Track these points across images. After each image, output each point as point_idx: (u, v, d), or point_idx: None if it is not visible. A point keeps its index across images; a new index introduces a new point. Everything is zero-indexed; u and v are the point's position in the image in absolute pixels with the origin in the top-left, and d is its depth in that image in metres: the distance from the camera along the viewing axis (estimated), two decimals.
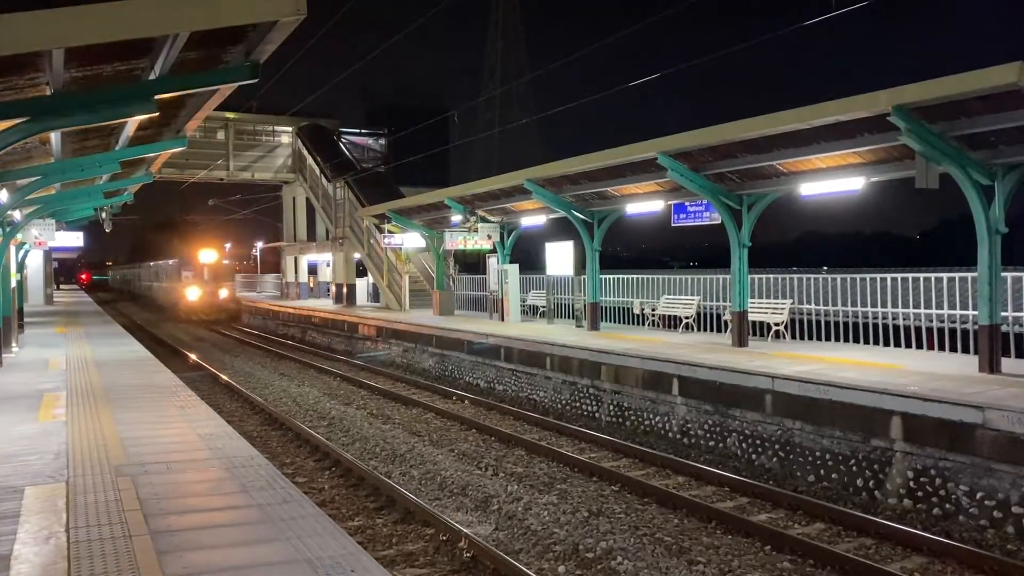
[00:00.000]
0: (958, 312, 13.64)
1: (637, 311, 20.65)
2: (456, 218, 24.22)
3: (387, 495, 9.99)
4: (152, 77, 9.00)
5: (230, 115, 40.31)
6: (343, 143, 42.24)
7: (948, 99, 10.08)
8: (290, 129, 42.01)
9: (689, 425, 12.95)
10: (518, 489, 10.38)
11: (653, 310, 20.12)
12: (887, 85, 10.70)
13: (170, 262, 50.24)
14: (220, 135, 41.25)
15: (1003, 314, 12.06)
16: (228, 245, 61.37)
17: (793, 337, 16.42)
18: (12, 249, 20.93)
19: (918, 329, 14.26)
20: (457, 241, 24.42)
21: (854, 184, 13.06)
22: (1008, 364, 11.77)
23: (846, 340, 15.51)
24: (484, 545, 7.89)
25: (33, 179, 14.68)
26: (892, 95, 10.52)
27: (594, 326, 19.68)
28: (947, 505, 8.98)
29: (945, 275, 13.98)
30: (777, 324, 16.45)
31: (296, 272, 45.25)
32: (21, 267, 26.68)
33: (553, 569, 7.71)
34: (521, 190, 19.83)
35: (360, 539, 8.38)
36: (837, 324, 15.74)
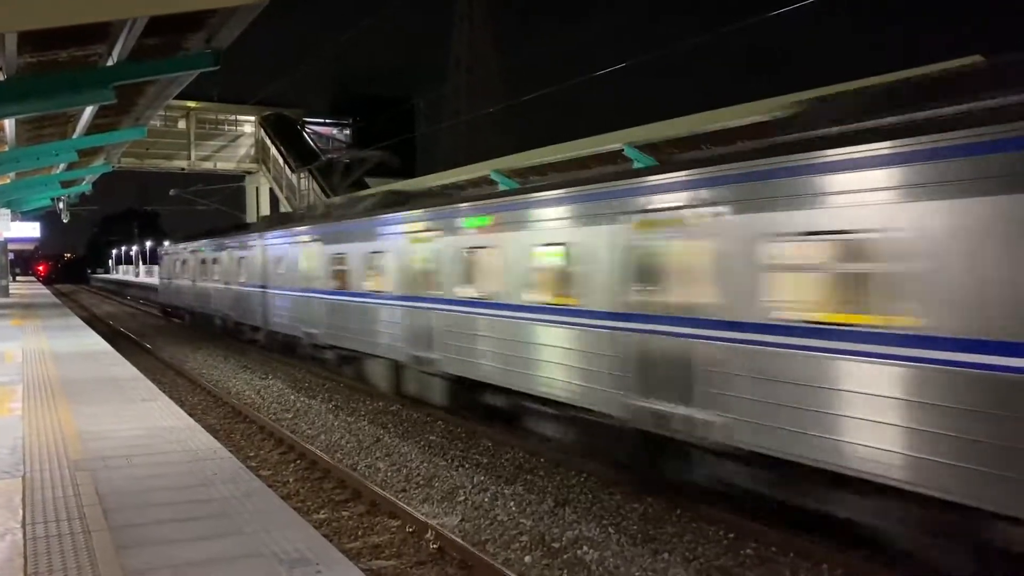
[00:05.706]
0: None
1: None
2: None
3: None
4: (110, 63, 8.83)
5: (191, 104, 39.73)
6: (307, 133, 41.83)
7: None
8: (253, 118, 41.51)
9: None
10: None
11: None
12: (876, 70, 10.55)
13: None
14: (181, 124, 40.66)
15: None
16: None
17: None
18: None
19: None
20: None
21: None
22: None
23: None
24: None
25: None
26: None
27: None
28: None
29: None
30: None
31: None
32: None
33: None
34: (487, 181, 19.76)
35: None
36: None
